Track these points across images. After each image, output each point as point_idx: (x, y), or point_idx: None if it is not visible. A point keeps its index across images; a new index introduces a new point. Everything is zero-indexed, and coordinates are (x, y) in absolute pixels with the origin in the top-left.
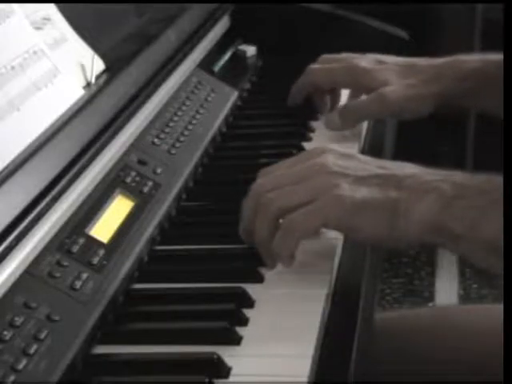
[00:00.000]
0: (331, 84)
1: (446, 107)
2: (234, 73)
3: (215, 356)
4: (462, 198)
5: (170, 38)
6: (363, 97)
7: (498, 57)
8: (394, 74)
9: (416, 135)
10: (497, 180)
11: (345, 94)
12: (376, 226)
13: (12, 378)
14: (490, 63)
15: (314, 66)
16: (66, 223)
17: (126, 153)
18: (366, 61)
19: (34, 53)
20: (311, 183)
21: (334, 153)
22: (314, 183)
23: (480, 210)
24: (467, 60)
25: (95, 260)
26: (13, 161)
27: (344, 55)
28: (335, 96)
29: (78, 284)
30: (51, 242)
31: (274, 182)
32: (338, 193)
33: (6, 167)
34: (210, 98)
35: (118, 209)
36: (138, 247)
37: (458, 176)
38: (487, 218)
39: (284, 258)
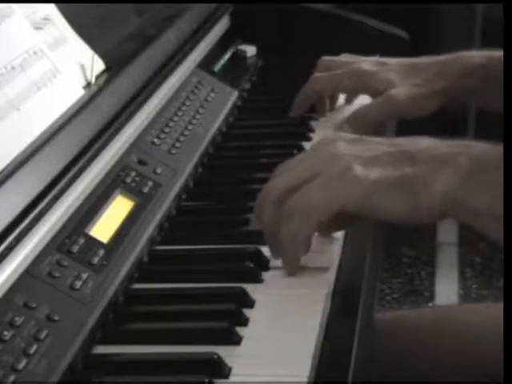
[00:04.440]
0: (335, 91)
1: (450, 103)
2: (234, 73)
3: (215, 356)
4: (479, 172)
5: (170, 38)
6: (365, 100)
7: (501, 53)
8: (397, 75)
9: (416, 135)
10: None
11: (343, 95)
12: (395, 204)
13: (12, 378)
14: (493, 59)
15: (317, 74)
16: (66, 223)
17: (126, 153)
18: (367, 63)
19: (34, 53)
20: (327, 171)
21: (344, 139)
22: (330, 170)
23: (498, 185)
24: (471, 56)
25: (95, 260)
26: (13, 161)
27: (344, 57)
28: (333, 98)
29: (78, 284)
30: (51, 242)
31: (285, 178)
32: (352, 174)
33: (5, 167)
34: (209, 98)
35: (118, 209)
36: (138, 247)
37: (475, 148)
38: None
39: (300, 241)
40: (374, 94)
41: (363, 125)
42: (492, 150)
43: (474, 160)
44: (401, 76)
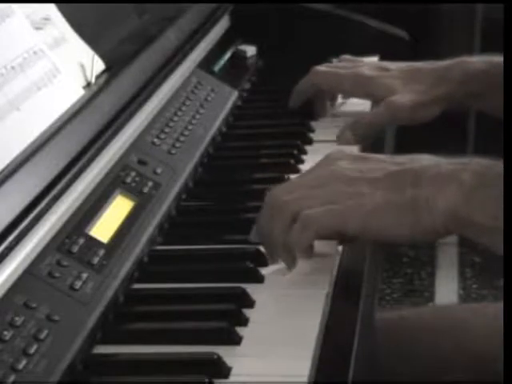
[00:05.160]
0: (335, 89)
1: (452, 108)
2: (233, 73)
3: (215, 356)
4: (482, 188)
5: (170, 38)
6: (364, 105)
7: (501, 58)
8: (399, 81)
9: (416, 135)
10: None
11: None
12: (398, 227)
13: (12, 378)
14: (494, 65)
15: (320, 67)
16: (66, 223)
17: (126, 153)
18: (368, 68)
19: (34, 53)
20: (329, 189)
21: (347, 157)
22: (332, 189)
23: (501, 200)
24: (472, 62)
25: (95, 260)
26: (13, 161)
27: (343, 58)
28: (333, 98)
29: (78, 284)
30: (51, 241)
31: (290, 187)
32: (356, 200)
33: (6, 167)
34: (209, 98)
35: (118, 209)
36: (138, 247)
37: (477, 164)
38: None
39: (301, 250)
40: (374, 100)
41: (365, 132)
42: (494, 166)
43: (477, 176)
44: (402, 82)
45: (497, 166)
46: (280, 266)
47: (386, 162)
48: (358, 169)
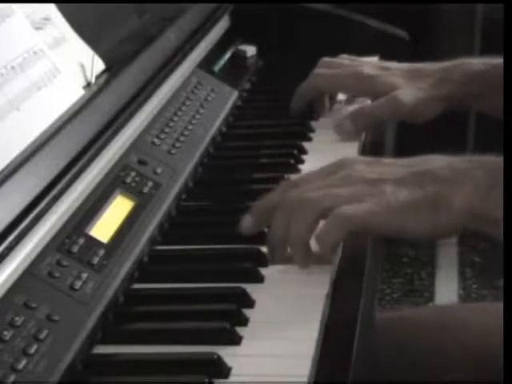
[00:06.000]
0: (336, 90)
1: (452, 108)
2: (233, 73)
3: (215, 356)
4: (497, 186)
5: (170, 38)
6: (366, 101)
7: (501, 60)
8: (400, 79)
9: (416, 135)
10: None
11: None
12: (422, 223)
13: (12, 378)
14: (494, 66)
15: (319, 70)
16: (66, 223)
17: (126, 153)
18: (369, 67)
19: (34, 53)
20: (353, 189)
21: (362, 162)
22: (356, 189)
23: None
24: (472, 63)
25: (95, 260)
26: (13, 161)
27: (344, 58)
28: (333, 98)
29: (78, 284)
30: (51, 241)
31: (309, 185)
32: (383, 198)
33: (6, 167)
34: (209, 98)
35: (118, 209)
36: (138, 247)
37: (489, 162)
38: None
39: (328, 249)
40: (375, 97)
41: (365, 123)
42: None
43: (491, 174)
44: (404, 80)
45: None
46: (281, 266)
47: (402, 165)
48: (376, 171)
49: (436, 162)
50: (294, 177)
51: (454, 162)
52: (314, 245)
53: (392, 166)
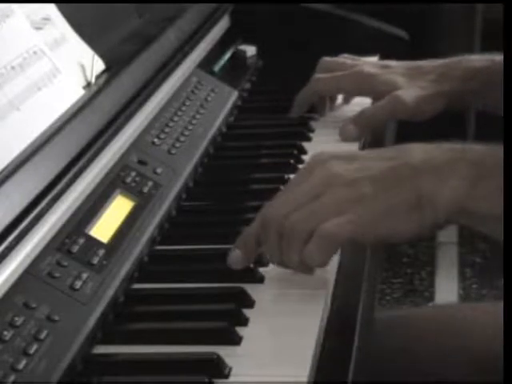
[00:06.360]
0: (337, 92)
1: (453, 105)
2: (233, 73)
3: (215, 356)
4: (484, 179)
5: (170, 38)
6: (363, 99)
7: (502, 57)
8: (401, 77)
9: (416, 135)
10: None
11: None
12: (407, 225)
13: (12, 378)
14: (495, 63)
15: (319, 75)
16: (66, 223)
17: (126, 153)
18: (369, 66)
19: (34, 53)
20: (331, 197)
21: (336, 158)
22: (334, 197)
23: (501, 188)
24: (474, 59)
25: (95, 260)
26: (13, 161)
27: (343, 58)
28: (333, 98)
29: (78, 284)
30: (51, 241)
31: (287, 204)
32: (364, 204)
33: (5, 167)
34: (209, 98)
35: (118, 209)
36: (138, 247)
37: (473, 152)
38: None
39: (322, 266)
40: (376, 96)
41: (369, 125)
42: (491, 153)
43: (476, 167)
44: (405, 78)
45: (494, 152)
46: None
47: (380, 158)
48: (352, 169)
49: (416, 152)
50: (275, 196)
51: (435, 152)
52: None
53: (369, 160)
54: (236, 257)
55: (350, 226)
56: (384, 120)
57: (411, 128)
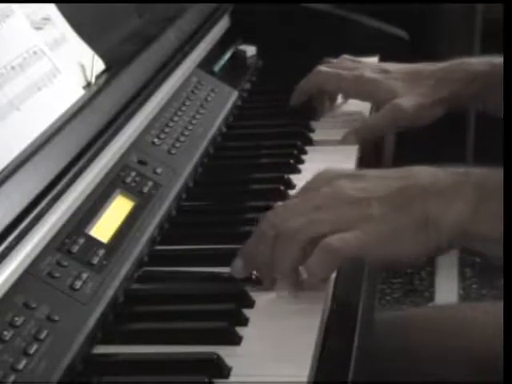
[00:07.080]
0: (336, 91)
1: (453, 109)
2: (233, 73)
3: (215, 356)
4: (486, 202)
5: (170, 38)
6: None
7: (502, 59)
8: (401, 83)
9: (416, 135)
10: None
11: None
12: (413, 247)
13: (12, 378)
14: (495, 66)
15: (322, 67)
16: (66, 223)
17: (126, 153)
18: (370, 70)
19: (34, 53)
20: (337, 212)
21: (344, 176)
22: (340, 212)
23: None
24: (474, 63)
25: (95, 260)
26: (13, 161)
27: (344, 58)
28: (332, 98)
29: (78, 284)
30: (51, 241)
31: (291, 211)
32: (370, 223)
33: (5, 167)
34: (209, 98)
35: (118, 209)
36: (138, 247)
37: (476, 175)
38: None
39: (319, 281)
40: (376, 102)
41: (370, 135)
42: (492, 176)
43: (478, 189)
44: (404, 84)
45: (494, 176)
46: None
47: (387, 178)
48: (360, 188)
49: (422, 175)
50: (276, 206)
51: (440, 175)
52: (304, 273)
53: (377, 180)
54: (239, 266)
55: (356, 242)
56: (384, 130)
57: (411, 132)
